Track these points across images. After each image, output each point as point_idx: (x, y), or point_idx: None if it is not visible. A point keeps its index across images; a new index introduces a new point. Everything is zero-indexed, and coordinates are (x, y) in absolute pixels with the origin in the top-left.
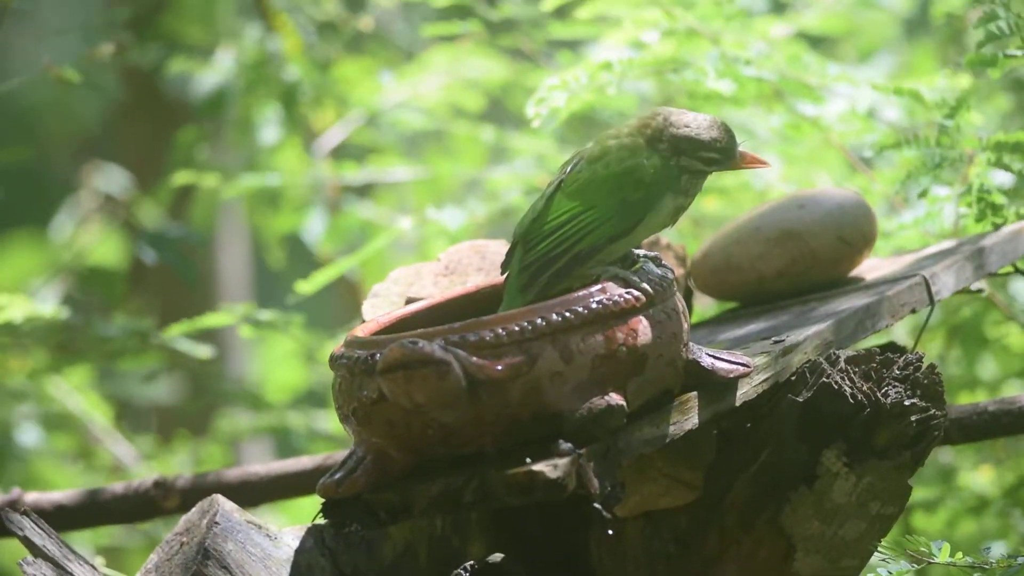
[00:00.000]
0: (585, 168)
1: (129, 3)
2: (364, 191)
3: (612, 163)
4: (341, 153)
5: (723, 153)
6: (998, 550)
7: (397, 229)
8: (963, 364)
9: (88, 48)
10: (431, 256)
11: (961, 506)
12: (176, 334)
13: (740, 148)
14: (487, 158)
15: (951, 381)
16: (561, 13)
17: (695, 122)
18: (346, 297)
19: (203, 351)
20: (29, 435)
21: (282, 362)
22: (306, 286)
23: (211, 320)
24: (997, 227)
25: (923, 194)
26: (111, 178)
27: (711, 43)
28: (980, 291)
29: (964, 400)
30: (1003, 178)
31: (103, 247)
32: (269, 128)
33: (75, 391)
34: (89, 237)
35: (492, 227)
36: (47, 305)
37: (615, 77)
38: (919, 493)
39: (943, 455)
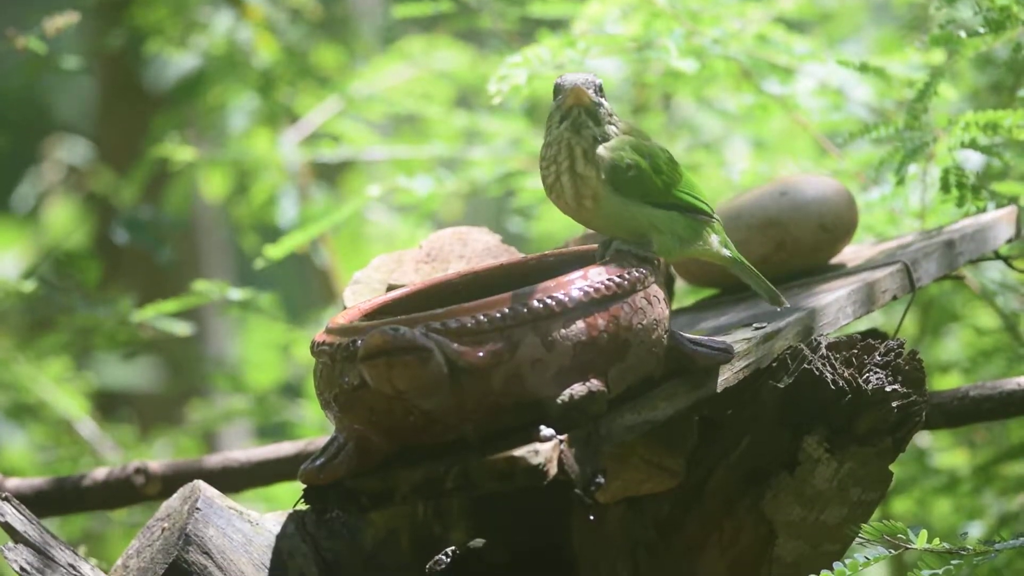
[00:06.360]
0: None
1: None
2: (334, 174)
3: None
4: (315, 141)
5: None
6: (974, 532)
7: (367, 196)
8: (936, 346)
9: (48, 18)
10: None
11: (935, 485)
12: (151, 315)
13: None
14: (461, 141)
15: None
16: None
17: None
18: (321, 286)
19: (181, 328)
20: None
21: (261, 349)
22: (275, 251)
23: (182, 301)
24: (979, 210)
25: (900, 181)
26: (74, 149)
27: (677, 22)
28: (961, 277)
29: (939, 381)
30: (972, 157)
31: (67, 223)
32: (239, 115)
33: (51, 381)
34: (53, 210)
35: (462, 202)
36: (27, 283)
37: (578, 55)
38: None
39: (919, 438)
